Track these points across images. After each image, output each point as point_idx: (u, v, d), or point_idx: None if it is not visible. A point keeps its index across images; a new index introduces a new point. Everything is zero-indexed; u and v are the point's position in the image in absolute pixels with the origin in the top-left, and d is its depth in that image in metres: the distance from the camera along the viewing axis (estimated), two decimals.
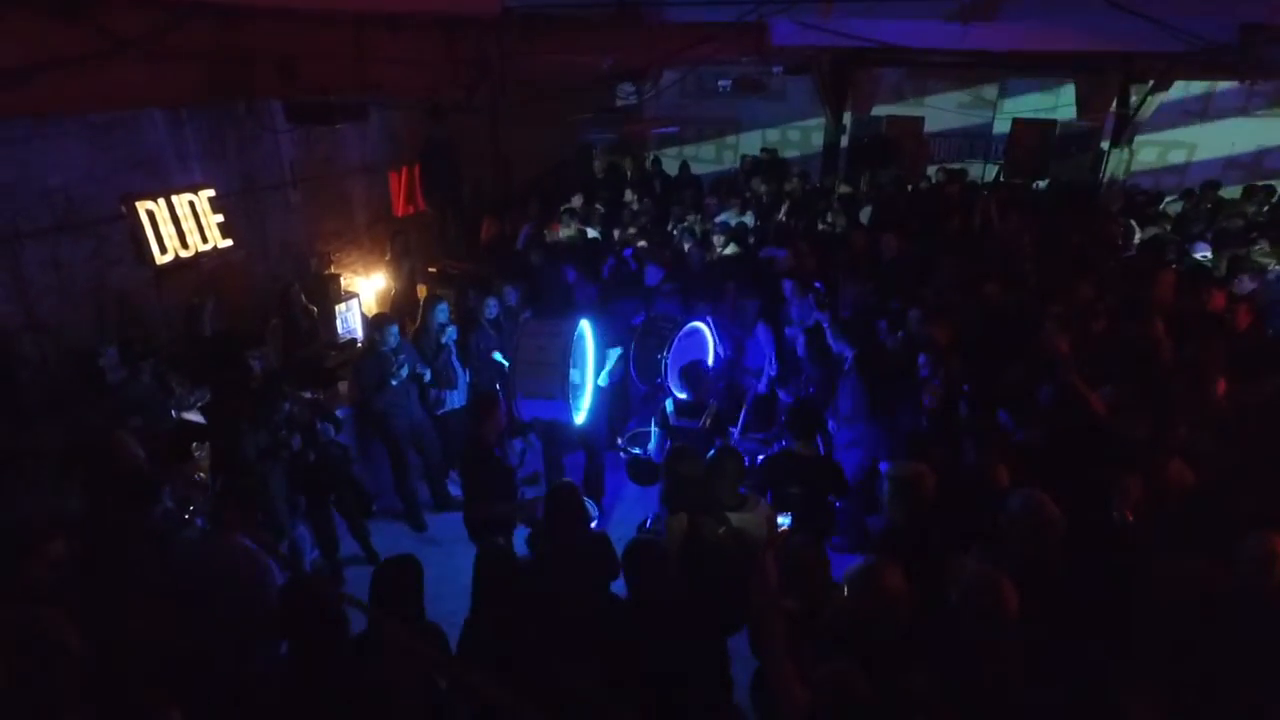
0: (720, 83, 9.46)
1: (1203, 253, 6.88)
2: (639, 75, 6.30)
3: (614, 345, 5.46)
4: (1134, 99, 9.66)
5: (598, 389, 5.23)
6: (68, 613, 2.67)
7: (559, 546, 3.43)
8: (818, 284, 6.04)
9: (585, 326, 5.02)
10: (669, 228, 8.87)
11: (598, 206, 9.47)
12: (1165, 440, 3.88)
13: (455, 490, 6.07)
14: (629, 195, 10.13)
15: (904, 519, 3.33)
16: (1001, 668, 2.58)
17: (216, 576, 3.17)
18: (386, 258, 8.02)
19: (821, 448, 4.46)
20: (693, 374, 5.11)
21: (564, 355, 4.38)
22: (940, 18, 5.04)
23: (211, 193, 6.31)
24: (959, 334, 5.18)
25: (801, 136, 13.34)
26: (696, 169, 12.60)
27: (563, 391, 4.45)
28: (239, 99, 5.12)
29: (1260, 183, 9.69)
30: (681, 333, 5.54)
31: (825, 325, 5.54)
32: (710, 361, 6.04)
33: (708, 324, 5.96)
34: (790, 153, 13.35)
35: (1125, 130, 9.81)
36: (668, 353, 5.35)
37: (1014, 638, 2.63)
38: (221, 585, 3.12)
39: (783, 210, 9.33)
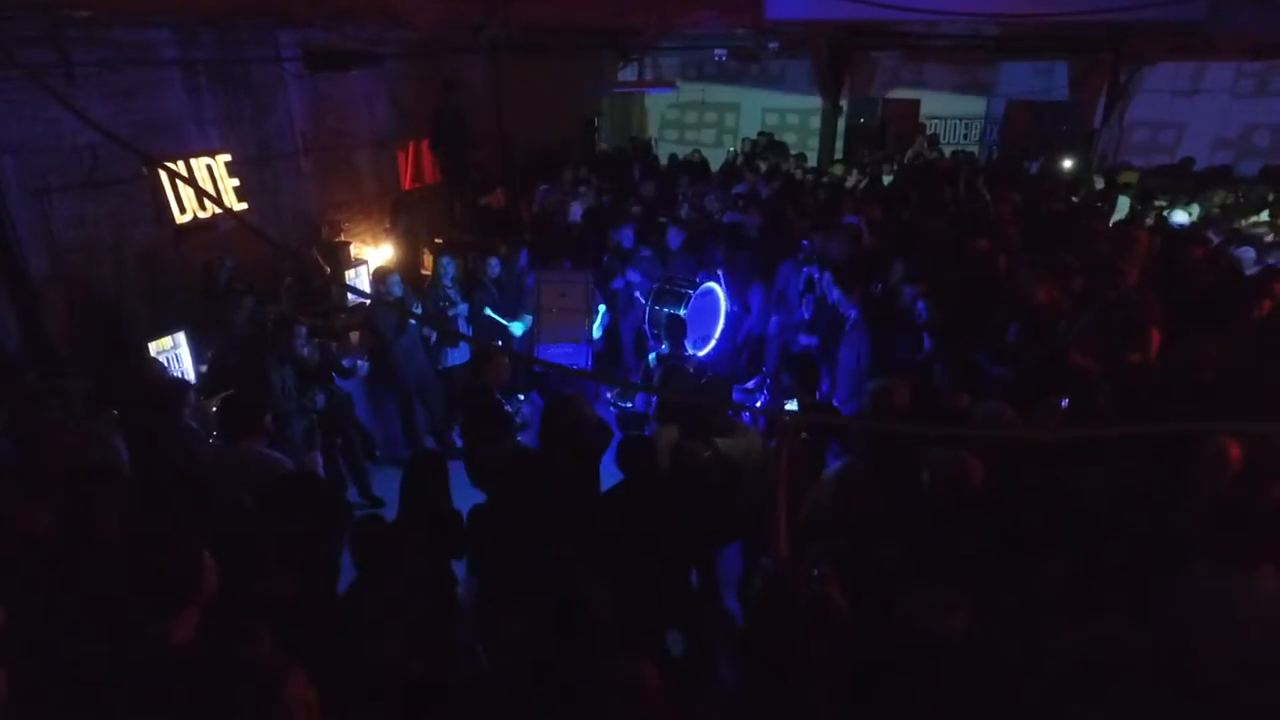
0: (716, 53, 9.68)
1: (1180, 219, 7.15)
2: (636, 36, 6.52)
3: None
4: (1123, 78, 9.90)
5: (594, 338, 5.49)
6: None
7: (554, 449, 3.68)
8: (804, 242, 6.30)
9: (589, 279, 5.28)
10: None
11: (591, 180, 9.69)
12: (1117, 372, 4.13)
13: (459, 442, 6.35)
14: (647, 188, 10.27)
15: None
16: (964, 538, 2.83)
17: (233, 474, 3.42)
18: (387, 226, 8.28)
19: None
20: (672, 328, 5.33)
21: (585, 301, 4.63)
22: None
23: (228, 158, 6.59)
24: (942, 287, 5.41)
25: (800, 121, 13.58)
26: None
27: (585, 335, 4.69)
28: (271, 18, 5.40)
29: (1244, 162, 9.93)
30: (697, 293, 5.81)
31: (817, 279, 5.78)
32: (722, 321, 6.31)
33: (720, 283, 6.22)
34: (789, 137, 13.60)
35: (1114, 110, 10.05)
36: (685, 310, 5.61)
37: (977, 511, 2.88)
38: (238, 483, 3.37)
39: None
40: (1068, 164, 9.68)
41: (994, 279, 5.49)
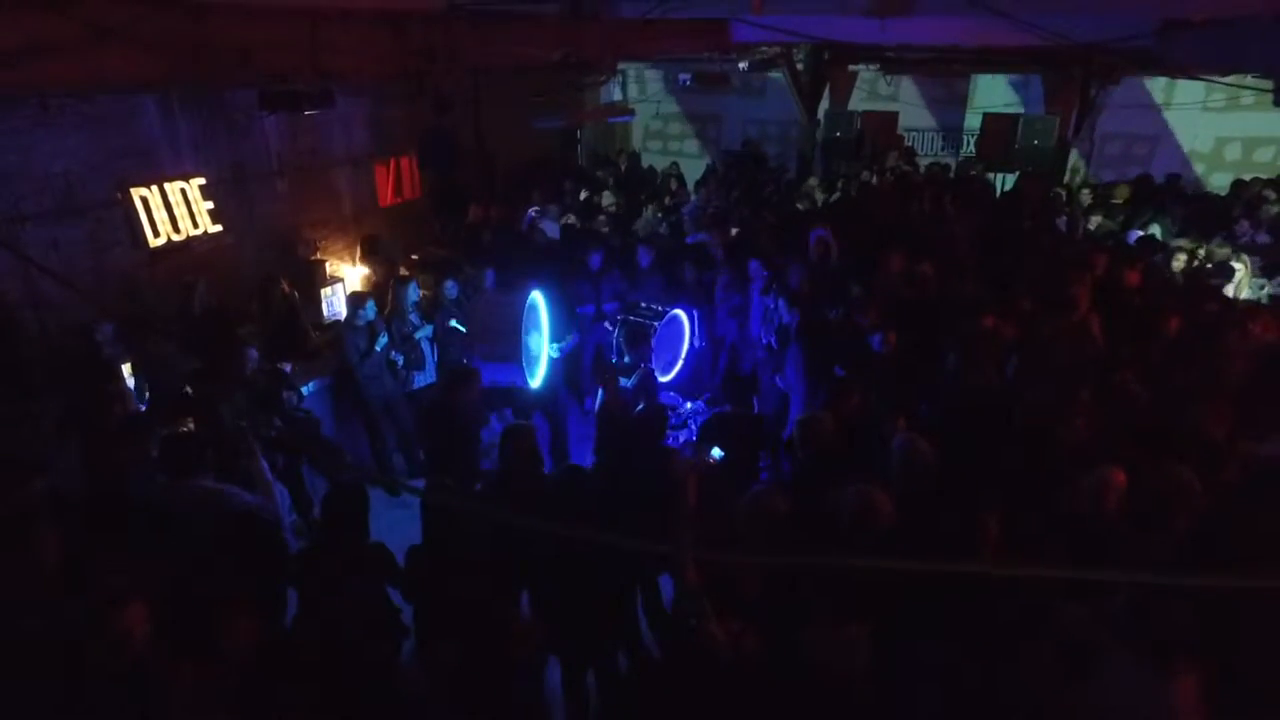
0: (680, 77, 9.75)
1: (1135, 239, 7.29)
2: (591, 67, 6.68)
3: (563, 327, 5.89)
4: (1093, 93, 10.06)
5: (551, 359, 5.63)
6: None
7: (511, 484, 3.82)
8: (766, 271, 6.43)
9: (538, 297, 5.42)
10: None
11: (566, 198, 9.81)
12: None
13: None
14: (608, 198, 10.41)
15: (805, 456, 3.73)
16: (875, 568, 2.95)
17: (183, 511, 3.53)
18: (359, 256, 8.39)
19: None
20: (633, 338, 5.48)
21: (517, 321, 4.77)
22: (859, 14, 5.42)
23: (202, 181, 6.74)
24: (891, 313, 5.53)
25: (781, 132, 13.74)
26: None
27: (516, 355, 4.83)
28: (203, 84, 5.59)
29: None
30: (664, 321, 5.98)
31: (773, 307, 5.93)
32: (686, 347, 6.48)
33: (686, 311, 6.39)
34: (770, 148, 13.76)
35: (1084, 124, 10.21)
36: (652, 340, 5.77)
37: (887, 542, 3.01)
38: (190, 519, 3.50)
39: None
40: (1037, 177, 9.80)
41: (938, 304, 5.60)
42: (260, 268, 7.23)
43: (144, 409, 5.02)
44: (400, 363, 6.19)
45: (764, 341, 6.33)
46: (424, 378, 6.32)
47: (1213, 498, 3.30)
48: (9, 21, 2.50)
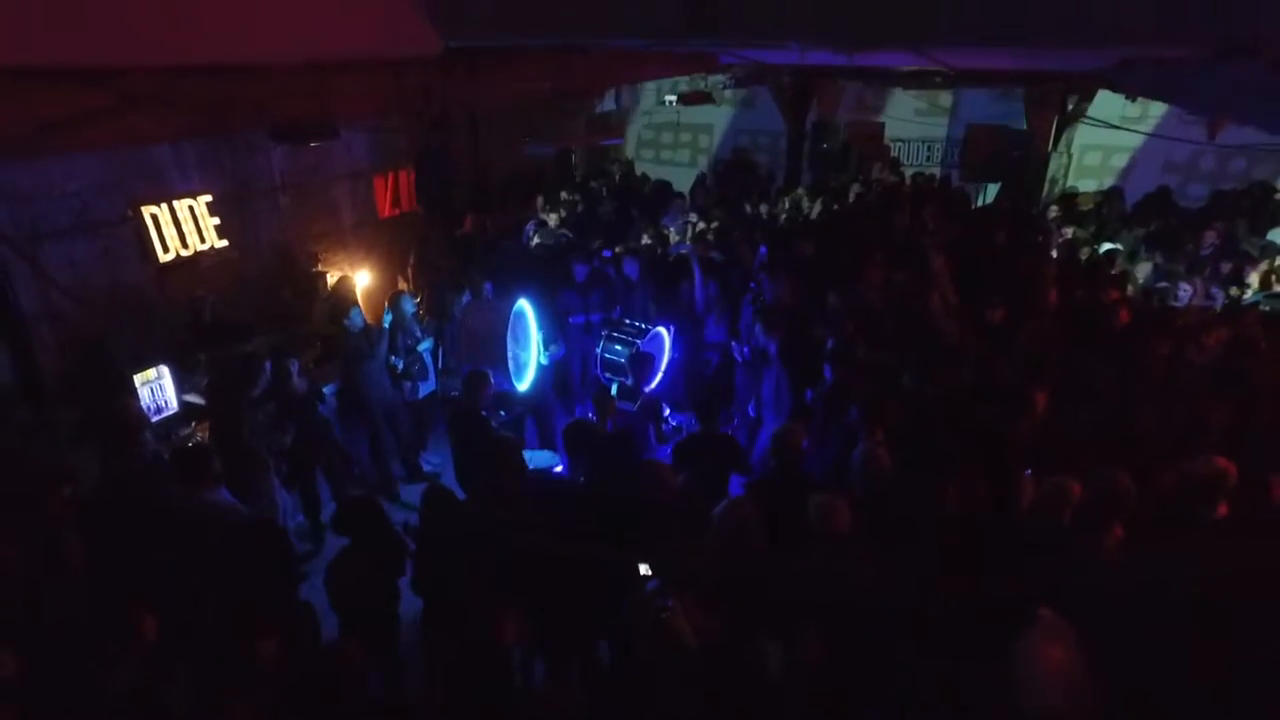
0: (666, 98, 10.05)
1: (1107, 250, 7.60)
2: (582, 94, 6.96)
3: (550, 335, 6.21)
4: (1070, 106, 10.40)
5: (540, 365, 5.94)
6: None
7: (496, 493, 4.11)
8: (752, 283, 6.72)
9: (525, 306, 5.72)
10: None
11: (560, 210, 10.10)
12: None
13: (426, 466, 6.83)
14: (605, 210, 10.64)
15: (778, 467, 4.02)
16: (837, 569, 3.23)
17: (192, 523, 3.79)
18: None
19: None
20: (638, 362, 5.76)
21: (502, 328, 5.07)
22: (826, 50, 5.73)
23: (209, 198, 7.03)
24: (863, 323, 5.82)
25: (770, 142, 14.04)
26: (670, 173, 13.31)
27: (502, 361, 5.13)
28: (221, 134, 5.92)
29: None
30: (646, 338, 6.26)
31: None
32: (665, 361, 6.75)
33: (667, 328, 6.67)
34: (760, 157, 14.09)
35: (1061, 136, 10.54)
36: (655, 363, 6.06)
37: (848, 546, 3.30)
38: (196, 533, 3.75)
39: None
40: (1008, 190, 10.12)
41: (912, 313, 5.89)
42: (264, 280, 7.53)
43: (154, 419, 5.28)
44: (400, 367, 6.46)
45: (743, 352, 6.61)
46: (426, 387, 6.62)
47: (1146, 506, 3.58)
48: (53, 97, 2.80)
